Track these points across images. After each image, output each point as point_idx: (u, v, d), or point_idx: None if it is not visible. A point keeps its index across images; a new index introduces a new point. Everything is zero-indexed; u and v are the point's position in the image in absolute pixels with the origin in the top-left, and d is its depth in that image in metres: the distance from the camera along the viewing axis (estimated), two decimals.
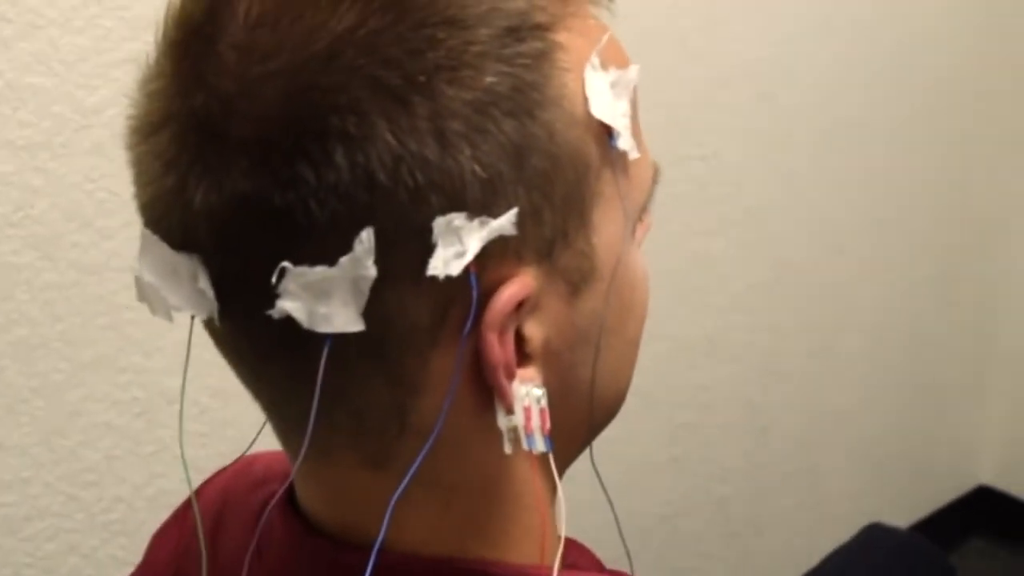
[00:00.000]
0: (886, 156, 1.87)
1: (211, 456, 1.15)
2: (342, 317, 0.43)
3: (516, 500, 0.51)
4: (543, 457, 0.49)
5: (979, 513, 2.19)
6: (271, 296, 0.42)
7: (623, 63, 0.48)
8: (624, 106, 0.47)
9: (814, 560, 1.22)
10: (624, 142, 0.47)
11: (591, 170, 0.46)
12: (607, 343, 0.50)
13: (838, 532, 1.33)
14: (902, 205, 1.94)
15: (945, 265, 2.06)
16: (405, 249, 0.42)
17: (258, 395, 0.49)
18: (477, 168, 0.42)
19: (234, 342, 0.47)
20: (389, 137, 0.41)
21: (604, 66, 0.46)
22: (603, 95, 0.46)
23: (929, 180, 1.97)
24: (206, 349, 0.49)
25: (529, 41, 0.43)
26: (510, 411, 0.46)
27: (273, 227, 0.42)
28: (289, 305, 0.42)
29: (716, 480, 1.79)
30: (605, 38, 0.47)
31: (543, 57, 0.44)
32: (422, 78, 0.41)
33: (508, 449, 0.47)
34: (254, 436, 0.60)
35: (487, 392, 0.46)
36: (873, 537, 1.20)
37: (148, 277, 0.45)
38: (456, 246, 0.42)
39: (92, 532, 1.15)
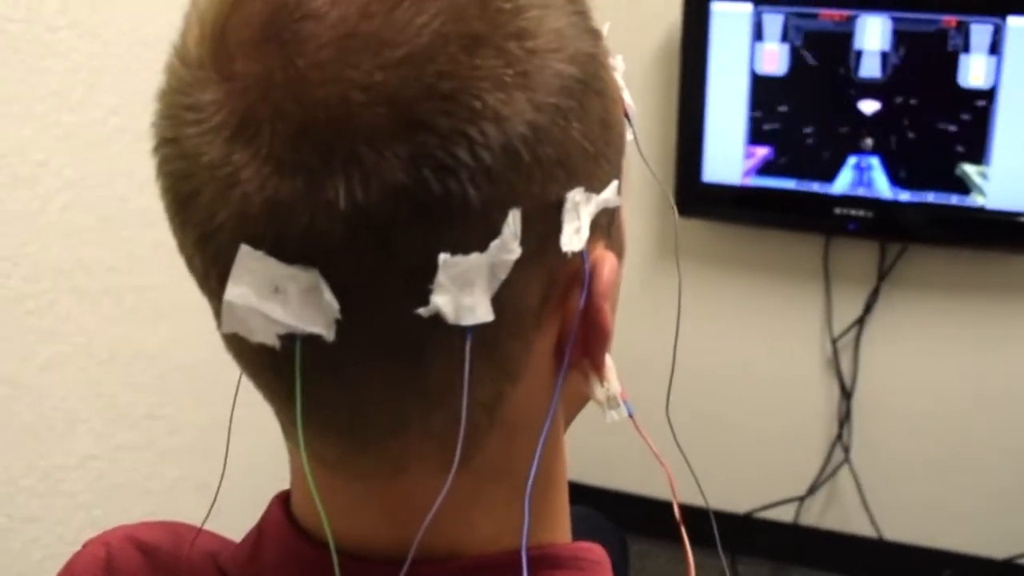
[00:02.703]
0: None
1: None
2: (483, 307, 0.40)
3: (561, 481, 0.52)
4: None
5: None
6: (414, 293, 0.40)
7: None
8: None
9: None
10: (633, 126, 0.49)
11: (624, 149, 0.48)
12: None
13: None
14: None
15: None
16: (533, 228, 0.41)
17: (334, 411, 0.43)
18: (586, 143, 0.42)
19: (331, 355, 0.41)
20: (530, 114, 0.40)
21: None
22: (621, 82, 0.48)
23: None
24: None
25: (589, 23, 0.44)
26: (604, 381, 0.47)
27: (427, 218, 0.39)
28: (440, 299, 0.39)
29: None
30: (606, 28, 0.47)
31: (599, 39, 0.45)
32: (545, 57, 0.41)
33: (609, 419, 0.47)
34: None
35: (560, 371, 0.46)
36: None
37: (248, 301, 0.40)
38: (575, 221, 0.42)
39: None
